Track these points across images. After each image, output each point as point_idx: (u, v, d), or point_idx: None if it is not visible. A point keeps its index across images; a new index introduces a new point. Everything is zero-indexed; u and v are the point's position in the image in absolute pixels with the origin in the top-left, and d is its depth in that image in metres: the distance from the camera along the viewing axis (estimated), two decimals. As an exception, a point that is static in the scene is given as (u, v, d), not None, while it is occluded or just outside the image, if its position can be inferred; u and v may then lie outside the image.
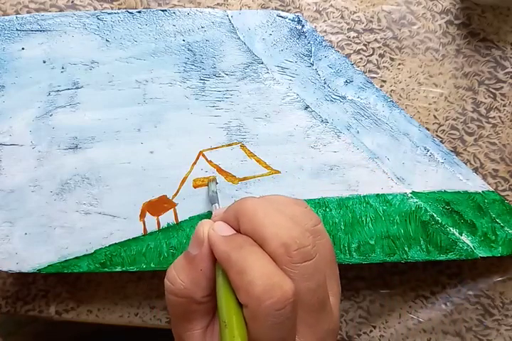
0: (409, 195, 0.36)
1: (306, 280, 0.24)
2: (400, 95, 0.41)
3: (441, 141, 0.40)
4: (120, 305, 0.43)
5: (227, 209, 0.28)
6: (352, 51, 0.41)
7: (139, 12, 0.37)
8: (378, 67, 0.41)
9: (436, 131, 0.41)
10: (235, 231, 0.26)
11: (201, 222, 0.27)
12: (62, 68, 0.37)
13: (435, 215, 0.36)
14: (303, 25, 0.37)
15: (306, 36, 0.37)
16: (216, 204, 0.34)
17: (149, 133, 0.37)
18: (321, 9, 0.41)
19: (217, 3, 0.41)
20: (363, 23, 0.41)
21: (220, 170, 0.37)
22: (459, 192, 0.37)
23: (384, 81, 0.41)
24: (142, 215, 0.37)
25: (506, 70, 0.40)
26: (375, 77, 0.41)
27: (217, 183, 0.36)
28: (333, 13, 0.41)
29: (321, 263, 0.26)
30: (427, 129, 0.40)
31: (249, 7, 0.41)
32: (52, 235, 0.37)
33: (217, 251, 0.25)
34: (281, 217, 0.26)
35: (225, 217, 0.27)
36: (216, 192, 0.35)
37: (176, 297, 0.27)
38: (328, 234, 0.28)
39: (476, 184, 0.37)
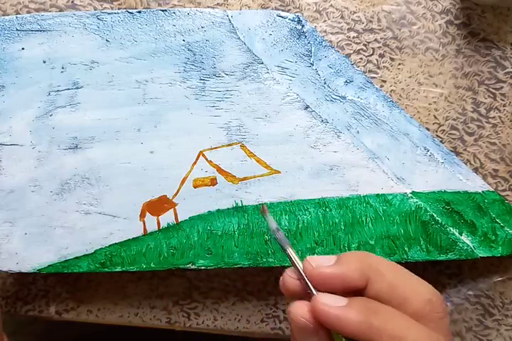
0: (409, 195, 0.36)
1: (447, 335, 0.24)
2: (400, 95, 0.41)
3: (441, 141, 0.40)
4: (120, 305, 0.43)
5: (346, 264, 0.24)
6: (352, 51, 0.41)
7: (139, 12, 0.37)
8: (378, 67, 0.41)
9: (436, 131, 0.41)
10: (346, 298, 0.24)
11: (293, 308, 0.24)
12: (62, 68, 0.37)
13: (435, 215, 0.36)
14: (303, 25, 0.37)
15: (306, 36, 0.37)
16: (290, 249, 0.26)
17: (149, 133, 0.37)
18: (321, 9, 0.41)
19: (217, 3, 0.41)
20: (363, 23, 0.41)
21: (220, 170, 0.37)
22: (459, 192, 0.37)
23: (384, 81, 0.41)
24: (142, 215, 0.37)
25: (506, 70, 0.40)
26: (375, 77, 0.41)
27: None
28: (333, 13, 0.41)
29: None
30: (427, 129, 0.40)
31: (249, 7, 0.41)
32: (52, 235, 0.37)
33: (350, 325, 0.22)
34: (409, 273, 0.25)
35: (343, 273, 0.24)
36: (280, 228, 0.27)
37: None
38: None
39: (476, 184, 0.37)
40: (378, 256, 0.26)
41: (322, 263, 0.25)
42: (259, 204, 0.36)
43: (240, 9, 0.41)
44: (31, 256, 0.37)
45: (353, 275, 0.24)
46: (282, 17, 0.37)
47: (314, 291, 0.24)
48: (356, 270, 0.24)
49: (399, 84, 0.41)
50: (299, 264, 0.25)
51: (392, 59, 0.41)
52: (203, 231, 0.37)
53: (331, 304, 0.23)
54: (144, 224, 0.37)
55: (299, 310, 0.24)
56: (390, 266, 0.25)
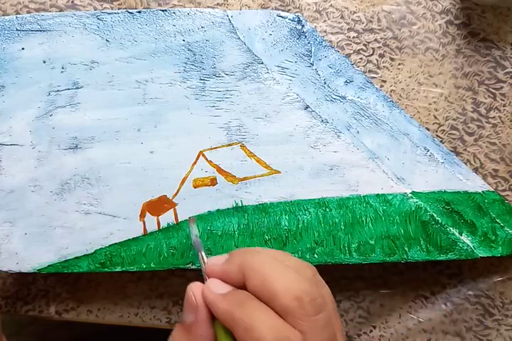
0: (409, 195, 0.36)
1: (319, 333, 0.24)
2: (400, 95, 0.41)
3: (441, 141, 0.40)
4: (120, 305, 0.43)
5: (230, 262, 0.27)
6: (352, 51, 0.41)
7: (139, 12, 0.37)
8: (378, 67, 0.41)
9: (436, 131, 0.41)
10: (231, 287, 0.26)
11: (190, 286, 0.27)
12: (62, 68, 0.37)
13: (435, 215, 0.36)
14: (303, 25, 0.37)
15: (306, 36, 0.37)
16: (202, 253, 0.31)
17: (149, 133, 0.37)
18: (321, 9, 0.41)
19: (217, 3, 0.41)
20: (363, 23, 0.41)
21: (220, 170, 0.37)
22: (459, 192, 0.37)
23: (384, 81, 0.41)
24: (142, 215, 0.37)
25: (506, 70, 0.40)
26: (375, 77, 0.41)
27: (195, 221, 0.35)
28: (333, 13, 0.41)
29: (331, 315, 0.25)
30: (427, 129, 0.40)
31: (249, 7, 0.41)
32: (52, 235, 0.37)
33: (218, 311, 0.25)
34: (288, 270, 0.26)
35: (226, 270, 0.27)
36: (199, 236, 0.33)
37: None
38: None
39: (476, 184, 0.37)
40: (260, 251, 0.27)
41: (217, 262, 0.27)
42: (190, 217, 0.36)
43: (240, 9, 0.41)
44: (31, 256, 0.37)
45: (233, 272, 0.26)
46: (282, 17, 0.37)
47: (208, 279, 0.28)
48: (236, 267, 0.26)
49: (399, 84, 0.41)
50: (204, 264, 0.29)
51: (392, 59, 0.41)
52: (203, 231, 0.37)
53: (213, 290, 0.26)
54: (144, 224, 0.37)
55: (194, 287, 0.27)
56: (267, 262, 0.26)
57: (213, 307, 0.25)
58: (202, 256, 0.30)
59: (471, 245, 0.36)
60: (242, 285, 0.26)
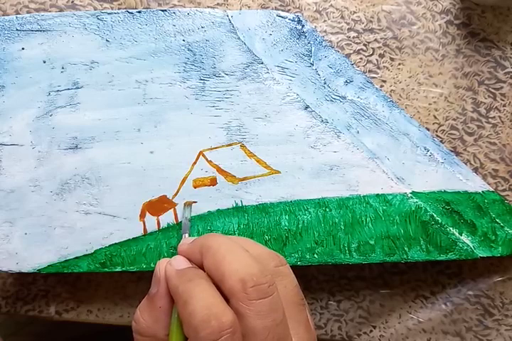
0: (409, 195, 0.36)
1: (261, 318, 0.25)
2: (400, 95, 0.41)
3: (441, 141, 0.40)
4: (120, 305, 0.43)
5: (194, 242, 0.29)
6: (352, 51, 0.41)
7: (139, 12, 0.37)
8: (378, 67, 0.41)
9: (436, 131, 0.41)
10: (190, 265, 0.28)
11: (159, 261, 0.29)
12: (62, 68, 0.37)
13: (435, 215, 0.36)
14: (303, 25, 0.37)
15: (306, 36, 0.37)
16: (186, 234, 0.34)
17: (149, 133, 0.37)
18: (321, 9, 0.41)
19: (217, 3, 0.41)
20: (363, 23, 0.41)
21: (220, 170, 0.37)
22: (459, 192, 0.37)
23: (384, 81, 0.41)
24: (142, 215, 0.37)
25: (506, 70, 0.40)
26: (375, 77, 0.41)
27: (190, 207, 0.36)
28: (333, 13, 0.41)
29: (280, 303, 0.26)
30: (427, 129, 0.40)
31: (249, 7, 0.41)
32: (52, 235, 0.37)
33: (169, 284, 0.27)
34: (243, 254, 0.26)
35: (190, 249, 0.28)
36: (189, 220, 0.35)
37: (140, 336, 0.27)
38: (294, 277, 0.28)
39: (476, 184, 0.37)
40: (220, 235, 0.29)
41: (187, 241, 0.29)
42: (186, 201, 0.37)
43: (240, 9, 0.41)
44: (31, 256, 0.37)
45: (195, 252, 0.28)
46: (282, 17, 0.37)
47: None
48: (197, 246, 0.28)
49: (399, 84, 0.41)
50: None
51: (392, 59, 0.41)
52: (203, 231, 0.37)
53: (173, 265, 0.27)
54: (144, 224, 0.37)
55: (161, 262, 0.28)
56: (225, 244, 0.27)
57: (168, 281, 0.27)
58: (184, 237, 0.33)
59: (471, 245, 0.36)
60: (202, 265, 0.27)
